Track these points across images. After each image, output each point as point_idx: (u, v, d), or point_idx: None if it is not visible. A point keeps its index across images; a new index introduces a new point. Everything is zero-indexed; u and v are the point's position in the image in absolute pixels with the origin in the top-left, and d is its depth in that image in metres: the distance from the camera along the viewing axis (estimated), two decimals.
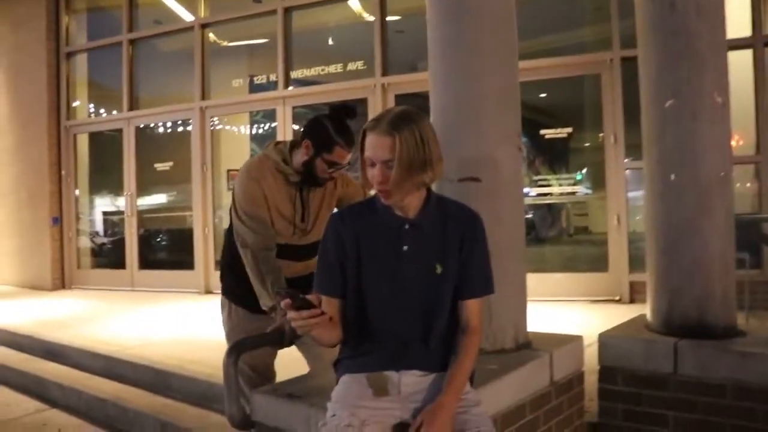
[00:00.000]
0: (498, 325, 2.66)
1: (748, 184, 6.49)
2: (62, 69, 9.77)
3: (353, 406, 1.79)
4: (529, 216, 7.69)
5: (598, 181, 6.94)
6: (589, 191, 7.40)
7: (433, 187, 2.01)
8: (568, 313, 5.92)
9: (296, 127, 8.07)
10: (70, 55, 9.88)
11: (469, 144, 2.67)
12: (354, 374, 1.91)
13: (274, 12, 8.25)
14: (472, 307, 1.98)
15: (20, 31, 9.94)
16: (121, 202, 9.52)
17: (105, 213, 10.37)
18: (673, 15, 2.93)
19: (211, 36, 8.92)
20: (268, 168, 2.62)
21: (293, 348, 2.74)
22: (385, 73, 7.45)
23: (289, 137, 7.61)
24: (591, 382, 3.01)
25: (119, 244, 9.58)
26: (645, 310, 3.19)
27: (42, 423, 4.42)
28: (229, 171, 8.98)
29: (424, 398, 1.87)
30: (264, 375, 2.85)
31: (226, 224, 8.85)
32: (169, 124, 9.44)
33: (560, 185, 7.46)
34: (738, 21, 6.07)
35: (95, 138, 10.11)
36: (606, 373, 2.96)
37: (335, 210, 2.73)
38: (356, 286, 1.94)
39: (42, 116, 9.61)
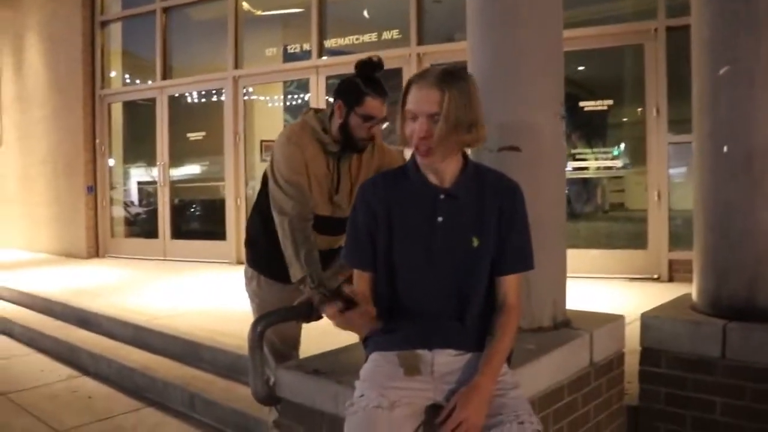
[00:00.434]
0: (536, 302, 2.53)
1: None
2: (97, 38, 9.75)
3: (382, 387, 1.70)
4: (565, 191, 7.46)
5: (638, 156, 6.70)
6: (628, 166, 7.15)
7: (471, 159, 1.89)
8: (605, 291, 5.76)
9: (330, 99, 7.93)
10: (104, 23, 9.85)
11: (509, 112, 2.52)
12: (384, 352, 1.81)
13: None
14: (510, 283, 1.86)
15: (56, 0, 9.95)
16: (154, 173, 9.53)
17: (139, 183, 10.42)
18: None
19: (245, 5, 8.78)
20: (308, 136, 2.52)
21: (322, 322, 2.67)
22: (420, 43, 7.26)
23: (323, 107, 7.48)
24: (629, 363, 2.87)
25: (152, 214, 9.62)
26: (684, 289, 3.05)
27: (72, 390, 4.44)
28: (262, 142, 8.93)
29: (459, 379, 1.77)
30: (291, 346, 2.79)
31: None
32: (202, 94, 9.39)
33: (597, 159, 7.22)
34: None
35: (129, 107, 10.12)
36: (648, 354, 2.82)
37: None
38: (387, 260, 1.83)
39: (77, 85, 9.62)
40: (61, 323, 5.84)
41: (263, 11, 9.03)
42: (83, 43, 9.60)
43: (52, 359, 5.18)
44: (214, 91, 9.13)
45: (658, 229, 6.36)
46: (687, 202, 6.62)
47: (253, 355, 2.25)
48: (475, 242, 1.82)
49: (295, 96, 9.26)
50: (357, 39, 7.88)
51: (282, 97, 9.41)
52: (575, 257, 5.94)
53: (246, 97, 8.71)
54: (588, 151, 7.28)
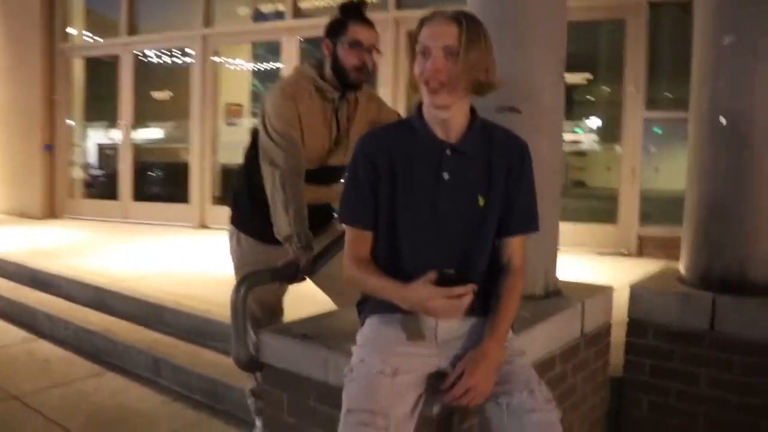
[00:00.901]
0: (529, 270, 2.39)
1: None
2: None
3: (385, 352, 1.59)
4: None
5: (614, 132, 6.67)
6: (603, 141, 7.13)
7: None
8: (575, 264, 5.73)
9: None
10: None
11: (508, 70, 2.39)
12: (384, 315, 1.69)
13: None
14: (515, 245, 1.76)
15: None
16: (116, 134, 9.18)
17: (100, 146, 10.04)
18: None
19: None
20: (305, 86, 2.41)
21: (301, 285, 2.55)
22: (399, 6, 7.07)
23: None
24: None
25: (113, 176, 9.29)
26: (653, 264, 2.98)
27: (28, 353, 4.25)
28: (228, 105, 8.67)
29: (464, 345, 1.67)
30: (272, 313, 2.65)
31: (224, 159, 8.65)
32: (169, 53, 9.03)
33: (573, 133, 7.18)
34: None
35: (92, 65, 9.68)
36: (635, 326, 2.77)
37: None
38: (389, 218, 1.70)
39: (35, 36, 9.13)
40: (15, 284, 5.57)
41: None
42: None
43: (5, 321, 4.93)
44: (181, 52, 8.79)
45: (629, 205, 6.36)
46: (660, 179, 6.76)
47: (235, 317, 2.12)
48: (481, 201, 1.71)
49: (266, 61, 8.99)
50: (333, 1, 7.64)
51: (251, 60, 9.12)
52: None
53: (215, 59, 8.41)
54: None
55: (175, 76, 9.05)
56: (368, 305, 1.76)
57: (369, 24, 2.39)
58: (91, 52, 9.57)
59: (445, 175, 1.69)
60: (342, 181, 2.59)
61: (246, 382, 2.75)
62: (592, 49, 7.21)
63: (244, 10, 8.60)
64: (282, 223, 2.29)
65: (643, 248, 6.27)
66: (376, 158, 1.70)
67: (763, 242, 2.70)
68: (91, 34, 9.68)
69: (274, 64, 8.51)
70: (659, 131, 6.46)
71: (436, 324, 1.67)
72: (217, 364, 3.57)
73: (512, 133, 1.80)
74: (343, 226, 1.77)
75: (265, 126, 2.38)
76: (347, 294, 2.40)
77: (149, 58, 9.14)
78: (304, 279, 2.33)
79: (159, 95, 9.22)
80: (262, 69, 8.99)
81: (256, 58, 9.09)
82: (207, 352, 3.83)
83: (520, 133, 2.02)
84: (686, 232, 2.88)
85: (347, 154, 2.44)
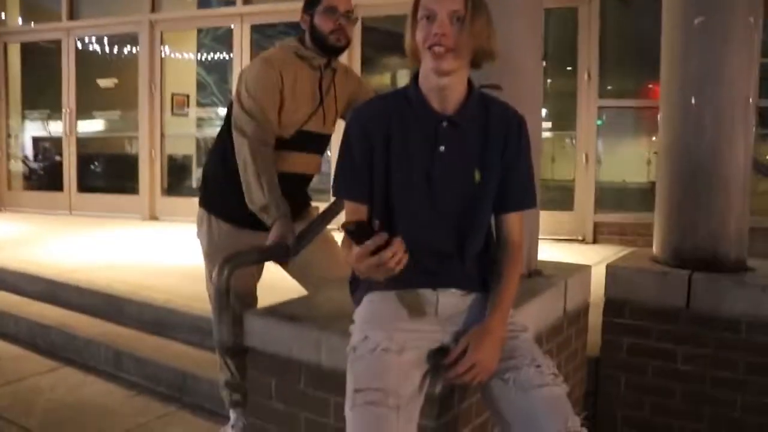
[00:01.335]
0: None
1: None
2: None
3: (389, 329, 1.53)
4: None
5: (568, 119, 6.76)
6: (558, 129, 7.22)
7: None
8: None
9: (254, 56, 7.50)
10: None
11: None
12: (383, 292, 1.64)
13: None
14: (513, 220, 1.74)
15: None
16: (58, 124, 8.79)
17: (37, 138, 9.61)
18: None
19: None
20: (289, 57, 2.41)
21: (267, 274, 2.49)
22: None
23: (246, 61, 7.11)
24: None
25: (53, 168, 8.93)
26: (609, 250, 3.02)
27: None
28: (173, 95, 8.45)
29: (465, 320, 1.64)
30: (244, 301, 2.54)
31: (171, 149, 8.42)
32: (114, 40, 8.70)
33: None
34: None
35: (29, 52, 9.24)
36: (612, 305, 2.80)
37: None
38: (384, 191, 1.65)
39: None
40: None
41: None
42: None
43: None
44: (128, 37, 8.48)
45: (584, 192, 6.47)
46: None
47: (219, 299, 2.03)
48: (477, 176, 1.67)
49: (211, 50, 8.77)
50: None
51: (196, 50, 8.89)
52: None
53: (163, 46, 8.16)
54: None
55: (120, 64, 8.75)
56: (365, 282, 1.70)
57: None
58: (29, 36, 9.14)
59: (441, 148, 1.64)
60: (317, 152, 2.57)
61: (219, 374, 2.66)
62: (545, 37, 7.27)
63: None
64: (256, 193, 2.25)
65: (597, 234, 6.40)
66: (371, 129, 1.65)
67: (733, 220, 2.76)
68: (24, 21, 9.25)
69: (221, 54, 8.33)
70: (599, 122, 6.59)
71: (436, 299, 1.64)
72: (184, 355, 3.46)
73: (509, 106, 1.76)
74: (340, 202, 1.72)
75: (239, 94, 2.36)
76: (315, 276, 2.46)
77: (93, 45, 8.79)
78: (297, 254, 2.26)
79: (104, 83, 8.89)
80: (208, 59, 8.77)
81: (202, 47, 8.87)
82: (172, 343, 3.70)
83: None
84: (659, 212, 2.92)
85: (324, 122, 2.50)
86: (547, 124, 7.17)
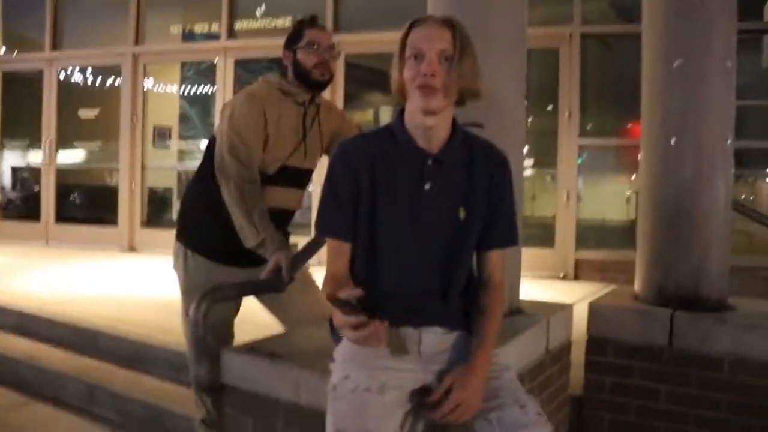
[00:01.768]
0: None
1: None
2: None
3: (370, 367, 1.50)
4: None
5: (550, 157, 6.82)
6: (539, 167, 7.27)
7: None
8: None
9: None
10: None
11: None
12: None
13: None
14: (496, 259, 1.73)
15: None
16: (37, 155, 8.70)
17: (15, 168, 9.50)
18: None
19: None
20: (273, 93, 2.39)
21: (249, 306, 2.45)
22: (337, 30, 7.05)
23: (229, 95, 7.11)
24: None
25: (30, 198, 8.81)
26: (590, 287, 3.02)
27: None
28: (155, 128, 8.44)
29: (449, 359, 1.61)
30: (221, 338, 2.47)
31: (152, 181, 8.36)
32: (97, 72, 8.67)
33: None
34: None
35: (10, 82, 9.17)
36: (595, 344, 2.79)
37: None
38: (369, 229, 1.63)
39: None
40: None
41: None
42: None
43: None
44: (111, 69, 8.45)
45: (566, 229, 6.50)
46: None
47: (195, 335, 1.98)
48: (462, 214, 1.66)
49: (194, 83, 8.78)
50: (270, 22, 7.55)
51: (179, 82, 8.88)
52: None
53: (146, 78, 8.16)
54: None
55: (102, 95, 8.71)
56: None
57: (324, 29, 2.49)
58: (11, 66, 9.07)
59: (427, 186, 1.63)
60: (299, 187, 2.56)
61: (195, 411, 2.59)
62: (527, 76, 7.37)
63: (177, 29, 8.37)
64: (249, 231, 2.21)
65: (579, 271, 6.42)
66: (356, 166, 1.64)
67: (714, 258, 2.77)
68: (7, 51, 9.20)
69: (204, 87, 8.34)
70: (580, 160, 6.66)
71: (419, 338, 1.61)
72: (159, 390, 3.37)
73: (493, 145, 1.77)
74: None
75: (222, 132, 2.33)
76: (292, 310, 2.42)
77: (75, 76, 8.76)
78: (292, 281, 2.22)
79: (85, 114, 8.84)
80: (192, 92, 8.78)
81: (186, 80, 8.87)
82: (147, 378, 3.61)
83: None
84: (641, 250, 2.93)
85: (305, 157, 2.48)
86: (529, 162, 7.23)
